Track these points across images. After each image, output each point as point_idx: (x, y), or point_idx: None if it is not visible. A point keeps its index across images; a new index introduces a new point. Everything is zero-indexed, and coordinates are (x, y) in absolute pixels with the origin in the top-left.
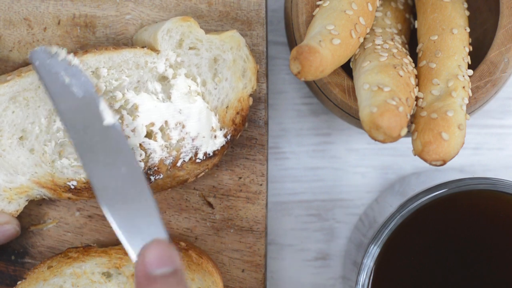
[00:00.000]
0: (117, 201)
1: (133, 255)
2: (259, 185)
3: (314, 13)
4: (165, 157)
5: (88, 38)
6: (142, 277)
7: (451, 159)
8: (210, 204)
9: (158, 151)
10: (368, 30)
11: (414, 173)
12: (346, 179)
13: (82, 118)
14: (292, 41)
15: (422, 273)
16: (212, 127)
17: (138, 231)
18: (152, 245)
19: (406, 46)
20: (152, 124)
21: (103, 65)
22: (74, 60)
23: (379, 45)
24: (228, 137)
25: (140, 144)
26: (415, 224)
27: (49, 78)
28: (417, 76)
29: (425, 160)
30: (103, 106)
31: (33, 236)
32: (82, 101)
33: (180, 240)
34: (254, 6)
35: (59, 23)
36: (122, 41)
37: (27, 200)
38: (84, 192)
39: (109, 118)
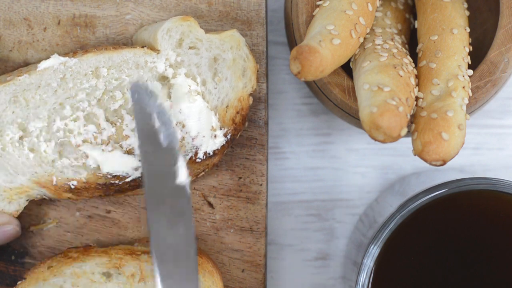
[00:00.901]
0: (167, 259)
1: None
2: (259, 185)
3: (314, 13)
4: None
5: (88, 38)
6: None
7: (451, 159)
8: (210, 204)
9: None
10: (368, 30)
11: (414, 173)
12: (346, 179)
13: (159, 166)
14: (292, 41)
15: (422, 273)
16: (212, 127)
17: None
18: None
19: (406, 46)
20: None
21: (103, 65)
22: (169, 110)
23: (379, 45)
24: (228, 136)
25: None
26: (415, 224)
27: (142, 116)
28: (417, 76)
29: (425, 160)
30: (181, 164)
31: (33, 236)
32: (164, 151)
33: None
34: (254, 6)
35: (59, 23)
36: (122, 41)
37: (27, 200)
38: (84, 192)
39: (182, 177)
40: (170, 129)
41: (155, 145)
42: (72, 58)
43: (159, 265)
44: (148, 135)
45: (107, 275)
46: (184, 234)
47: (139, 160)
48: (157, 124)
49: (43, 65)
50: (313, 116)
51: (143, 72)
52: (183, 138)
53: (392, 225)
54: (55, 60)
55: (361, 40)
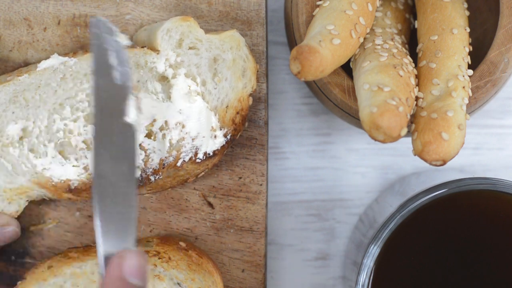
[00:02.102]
0: (107, 197)
1: (101, 251)
2: (259, 185)
3: (314, 13)
4: (165, 157)
5: (88, 38)
6: (116, 278)
7: (451, 159)
8: (210, 204)
9: (158, 151)
10: (368, 30)
11: (414, 173)
12: (346, 179)
13: (110, 102)
14: (292, 41)
15: (422, 273)
16: (212, 127)
17: (115, 233)
18: (133, 255)
19: (406, 46)
20: (152, 124)
21: None
22: (127, 49)
23: (379, 45)
24: (228, 137)
25: (140, 144)
26: (415, 224)
27: (99, 51)
28: (417, 76)
29: (425, 160)
30: (131, 103)
31: (33, 236)
32: (116, 88)
33: (180, 240)
34: (254, 6)
35: (59, 23)
36: None
37: (27, 201)
38: (84, 192)
39: (131, 115)
40: (125, 67)
41: (108, 81)
42: (72, 58)
43: (99, 202)
44: (103, 70)
45: None
46: (126, 174)
47: (91, 94)
48: (113, 60)
49: (43, 65)
50: (313, 116)
51: (143, 72)
52: (183, 139)
53: (392, 225)
54: (55, 60)
55: (361, 40)
